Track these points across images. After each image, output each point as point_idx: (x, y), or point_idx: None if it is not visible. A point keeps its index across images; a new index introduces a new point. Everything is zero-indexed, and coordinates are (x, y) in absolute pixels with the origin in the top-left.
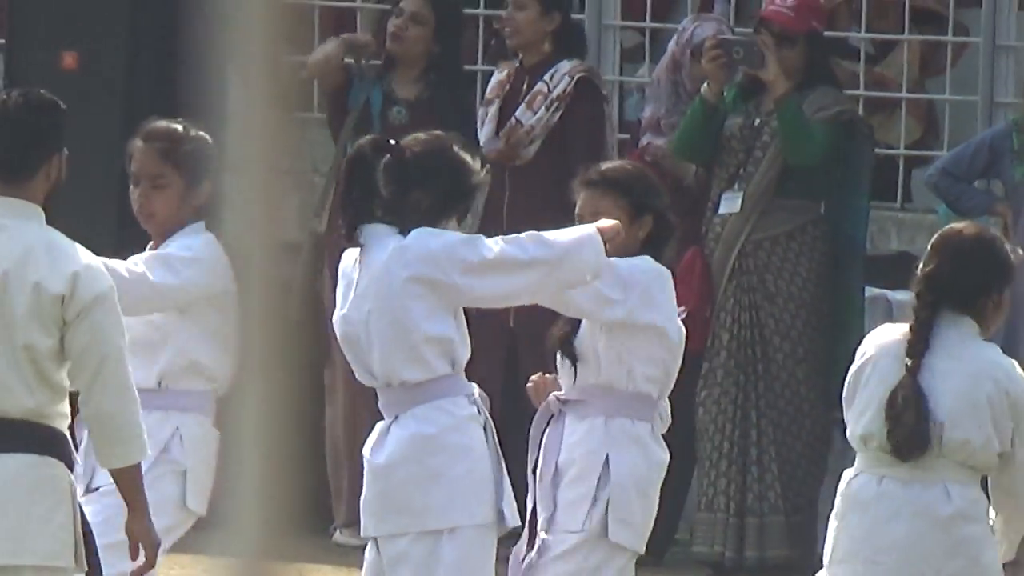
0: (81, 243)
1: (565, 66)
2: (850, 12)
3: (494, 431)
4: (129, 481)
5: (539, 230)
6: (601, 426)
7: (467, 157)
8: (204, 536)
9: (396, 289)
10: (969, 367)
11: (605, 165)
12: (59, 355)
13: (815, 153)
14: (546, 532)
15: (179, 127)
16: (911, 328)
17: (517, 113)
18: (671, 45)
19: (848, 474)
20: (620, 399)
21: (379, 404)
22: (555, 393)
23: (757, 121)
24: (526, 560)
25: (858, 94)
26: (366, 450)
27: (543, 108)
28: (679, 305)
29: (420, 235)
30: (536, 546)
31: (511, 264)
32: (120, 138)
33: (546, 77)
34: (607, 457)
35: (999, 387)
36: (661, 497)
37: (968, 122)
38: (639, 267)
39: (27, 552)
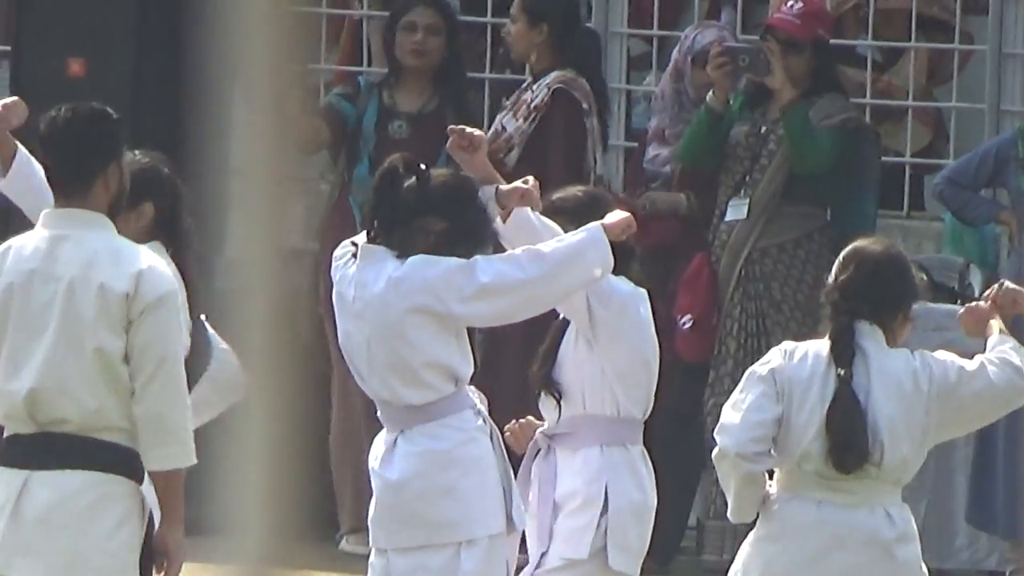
0: None
1: (550, 76)
2: (857, 20)
3: (499, 436)
4: (170, 486)
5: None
6: (597, 455)
7: (489, 208)
8: (211, 543)
9: (394, 320)
10: (892, 381)
11: (557, 193)
12: (128, 355)
13: (821, 161)
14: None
15: None
16: (831, 338)
17: (504, 120)
18: (674, 54)
19: (777, 495)
20: (610, 426)
21: (379, 415)
22: (541, 429)
23: (763, 129)
24: None
25: (865, 102)
26: (373, 463)
27: (521, 118)
28: (686, 313)
29: (416, 264)
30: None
31: (508, 286)
32: (126, 145)
33: (534, 86)
34: (606, 485)
35: (920, 391)
36: (667, 505)
37: (975, 130)
38: (617, 284)
39: (83, 571)
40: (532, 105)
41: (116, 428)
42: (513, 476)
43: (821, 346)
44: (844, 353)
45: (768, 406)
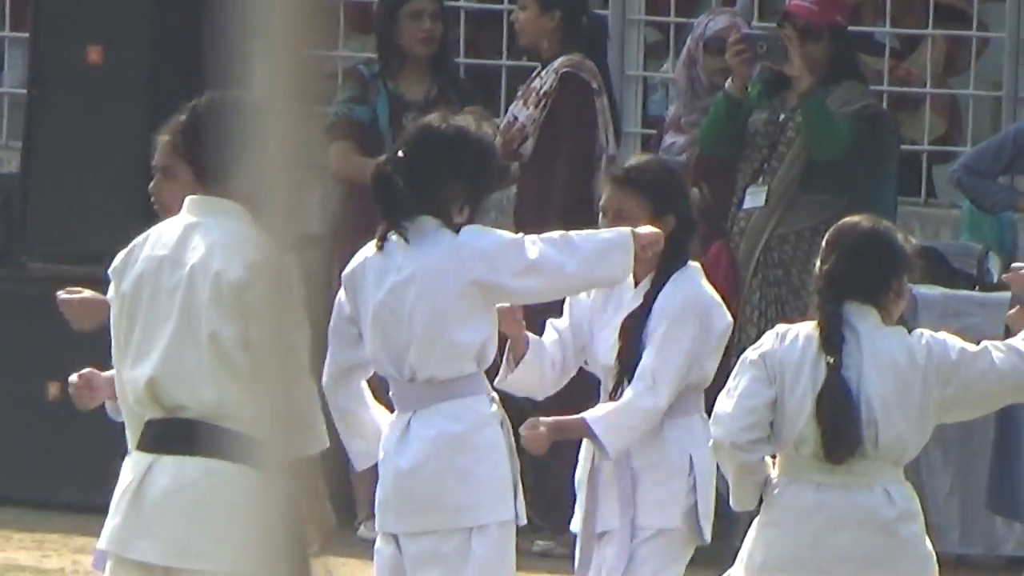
0: (106, 236)
1: (557, 61)
2: (875, 8)
3: (509, 427)
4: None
5: (545, 227)
6: (679, 425)
7: (480, 132)
8: None
9: (452, 290)
10: (886, 360)
11: (631, 161)
12: (247, 344)
13: (839, 148)
14: (630, 536)
15: None
16: (819, 325)
17: (515, 110)
18: (688, 41)
19: (777, 480)
20: (688, 399)
21: (392, 395)
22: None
23: (782, 116)
24: (604, 559)
25: (882, 90)
26: (386, 446)
27: (532, 105)
28: None
29: (473, 234)
30: (613, 546)
31: (548, 268)
32: (144, 132)
33: (543, 73)
34: (691, 456)
35: (916, 368)
36: None
37: (992, 118)
38: (689, 283)
39: (195, 556)
40: (541, 92)
41: (239, 418)
42: (519, 467)
43: (814, 328)
44: (832, 340)
45: (760, 390)
